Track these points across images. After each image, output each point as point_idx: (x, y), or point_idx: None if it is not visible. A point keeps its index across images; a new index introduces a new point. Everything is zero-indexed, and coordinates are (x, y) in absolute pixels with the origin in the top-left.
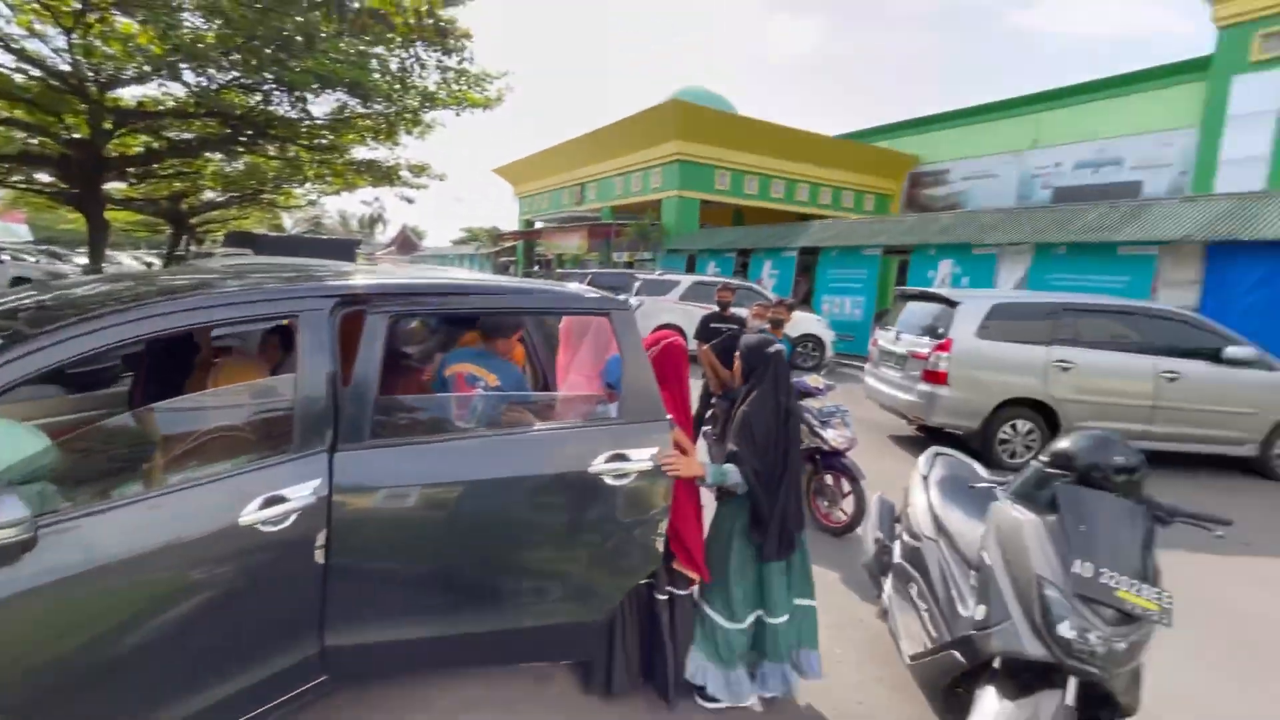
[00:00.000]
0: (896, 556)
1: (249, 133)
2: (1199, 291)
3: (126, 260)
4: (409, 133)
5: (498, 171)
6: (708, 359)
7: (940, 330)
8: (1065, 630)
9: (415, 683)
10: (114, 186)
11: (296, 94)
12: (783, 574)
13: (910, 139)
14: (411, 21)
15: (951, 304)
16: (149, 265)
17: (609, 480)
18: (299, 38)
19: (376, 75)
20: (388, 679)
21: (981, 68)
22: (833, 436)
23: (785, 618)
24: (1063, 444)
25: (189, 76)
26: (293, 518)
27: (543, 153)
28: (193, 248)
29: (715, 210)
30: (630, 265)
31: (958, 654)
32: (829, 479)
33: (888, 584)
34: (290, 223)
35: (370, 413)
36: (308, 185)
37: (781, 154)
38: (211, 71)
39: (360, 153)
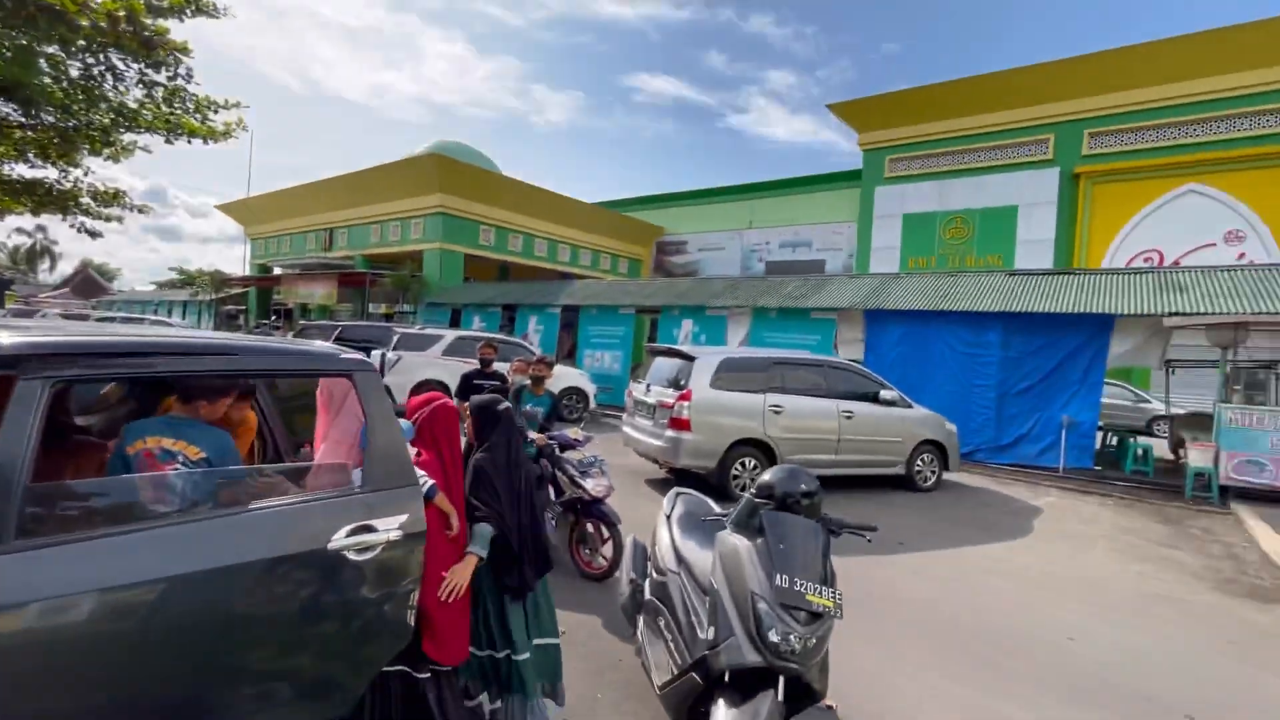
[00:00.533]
0: (647, 594)
1: None
2: (863, 348)
3: None
4: (96, 153)
5: (223, 208)
6: (470, 418)
7: (682, 382)
8: (773, 636)
9: None
10: None
11: None
12: (521, 614)
13: (656, 211)
14: (103, 24)
15: (689, 359)
16: None
17: (352, 555)
18: None
19: (47, 79)
20: None
21: (710, 155)
22: (591, 486)
23: (526, 655)
24: (765, 477)
25: None
26: None
27: (283, 191)
28: None
29: (480, 264)
30: (389, 318)
31: (696, 675)
32: (589, 527)
33: (640, 621)
34: None
35: (18, 504)
36: None
37: (544, 216)
38: None
39: (16, 170)
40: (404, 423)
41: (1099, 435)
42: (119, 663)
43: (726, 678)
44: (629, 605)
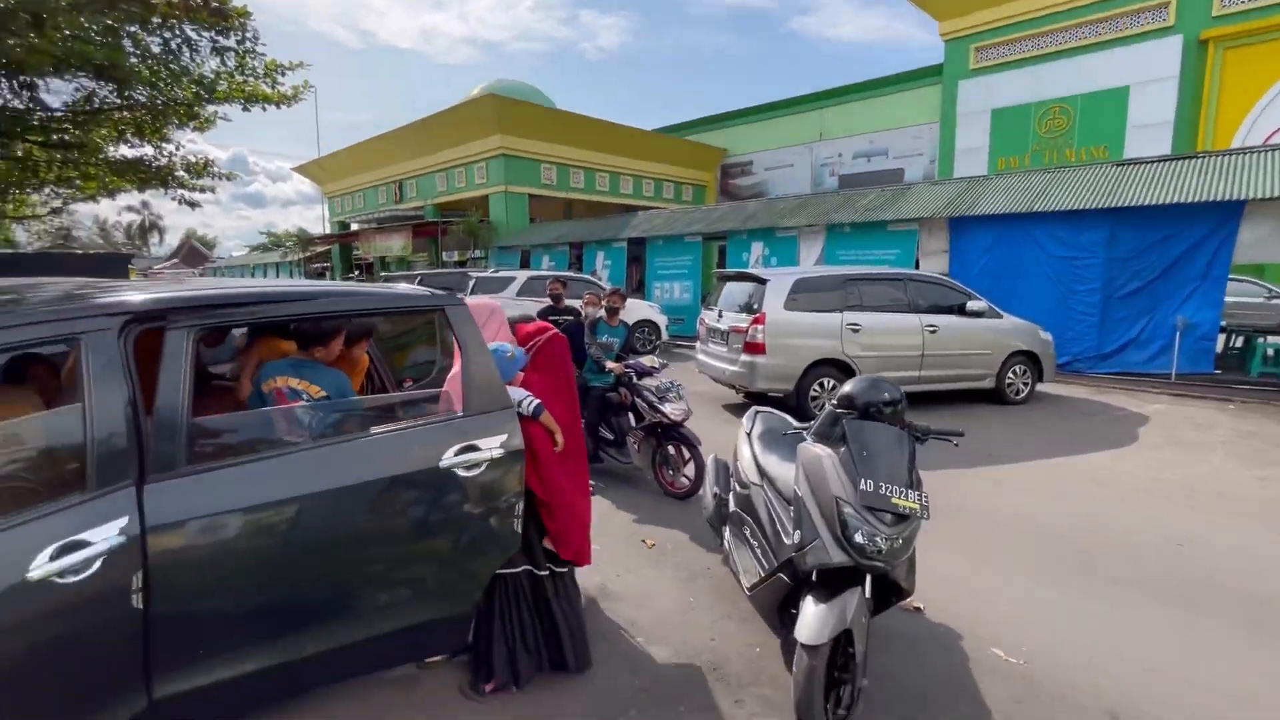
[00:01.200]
0: (732, 506)
1: None
2: (948, 259)
3: None
4: (183, 127)
5: (300, 170)
6: None
7: (755, 306)
8: (859, 538)
9: (267, 713)
10: None
11: (21, 80)
12: None
13: (718, 132)
14: (174, 0)
15: (762, 282)
16: None
17: (461, 472)
18: (23, 13)
19: (135, 59)
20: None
21: (773, 66)
22: (670, 410)
23: None
24: (845, 389)
25: None
26: (98, 563)
27: (352, 149)
28: None
29: (546, 204)
30: (463, 264)
31: (784, 576)
32: (671, 449)
33: (726, 531)
34: (26, 237)
35: (183, 438)
36: (47, 190)
37: (604, 148)
38: None
39: (118, 150)
40: (517, 350)
41: (1221, 337)
42: (277, 564)
43: (814, 577)
44: (714, 518)
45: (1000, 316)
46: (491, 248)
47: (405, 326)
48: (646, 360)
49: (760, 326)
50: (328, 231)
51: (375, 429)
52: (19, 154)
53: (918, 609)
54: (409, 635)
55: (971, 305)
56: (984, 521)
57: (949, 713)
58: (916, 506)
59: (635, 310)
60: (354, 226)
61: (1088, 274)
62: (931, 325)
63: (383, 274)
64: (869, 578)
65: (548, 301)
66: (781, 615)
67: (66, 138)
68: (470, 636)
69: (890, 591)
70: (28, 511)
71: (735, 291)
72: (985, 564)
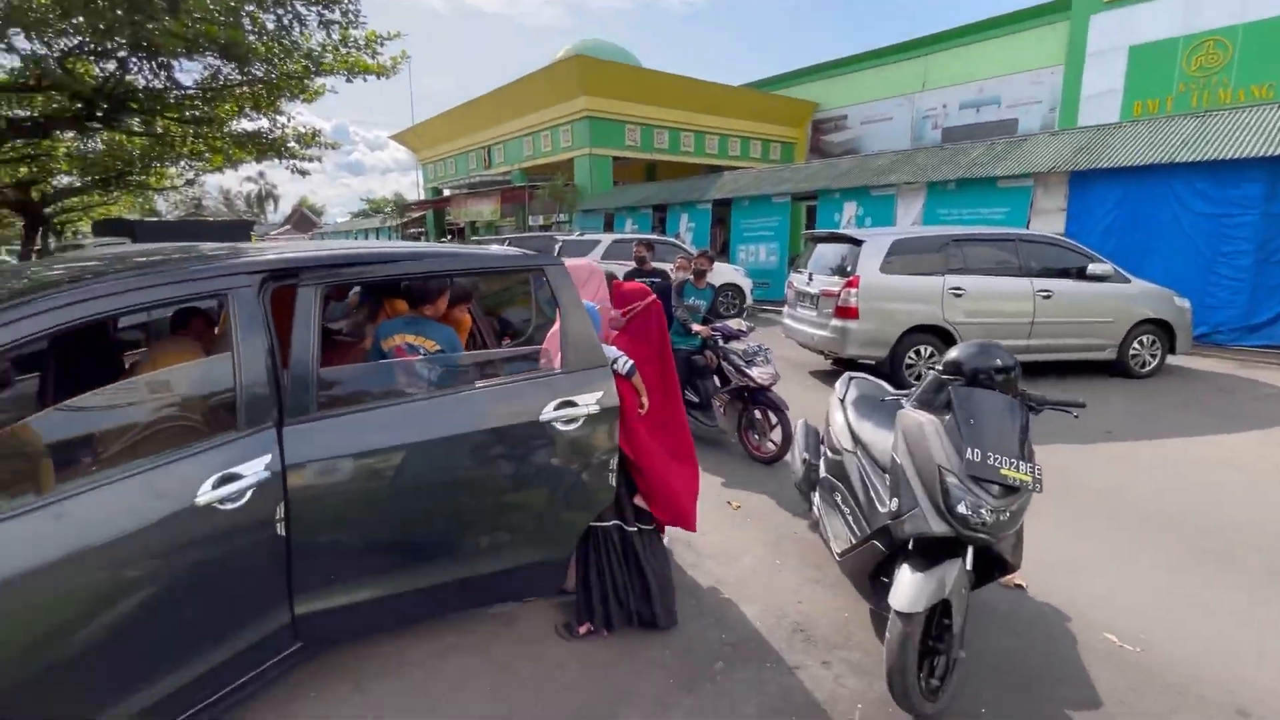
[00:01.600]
0: (822, 472)
1: (104, 106)
2: (1064, 219)
3: None
4: (293, 99)
5: (396, 138)
6: None
7: (848, 268)
8: (962, 508)
9: (388, 637)
10: None
11: (160, 60)
12: None
13: (809, 86)
14: None
15: (856, 243)
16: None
17: (559, 426)
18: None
19: (253, 36)
20: (362, 639)
21: (872, 10)
22: (757, 374)
23: None
24: (952, 354)
25: (20, 43)
26: (249, 494)
27: (444, 115)
28: (53, 241)
29: (628, 166)
30: (547, 228)
31: (878, 543)
32: (757, 413)
33: (816, 497)
34: (165, 206)
35: (313, 386)
36: (182, 163)
37: (689, 106)
38: (50, 39)
39: (239, 124)
40: (614, 311)
41: None
42: (395, 503)
43: (910, 545)
44: (803, 483)
45: (1127, 281)
46: (575, 211)
47: (502, 287)
48: (734, 323)
49: (853, 290)
50: (422, 197)
51: (481, 383)
52: (159, 130)
53: (1019, 586)
54: (510, 576)
55: (1094, 268)
56: (1100, 501)
57: (1054, 694)
58: (1028, 479)
59: (719, 274)
60: (446, 192)
61: (1238, 233)
62: (1045, 290)
63: (473, 238)
64: (971, 549)
65: (633, 265)
66: (873, 583)
67: (197, 114)
68: (567, 582)
69: (994, 565)
70: (194, 446)
71: (827, 253)
72: (1100, 546)
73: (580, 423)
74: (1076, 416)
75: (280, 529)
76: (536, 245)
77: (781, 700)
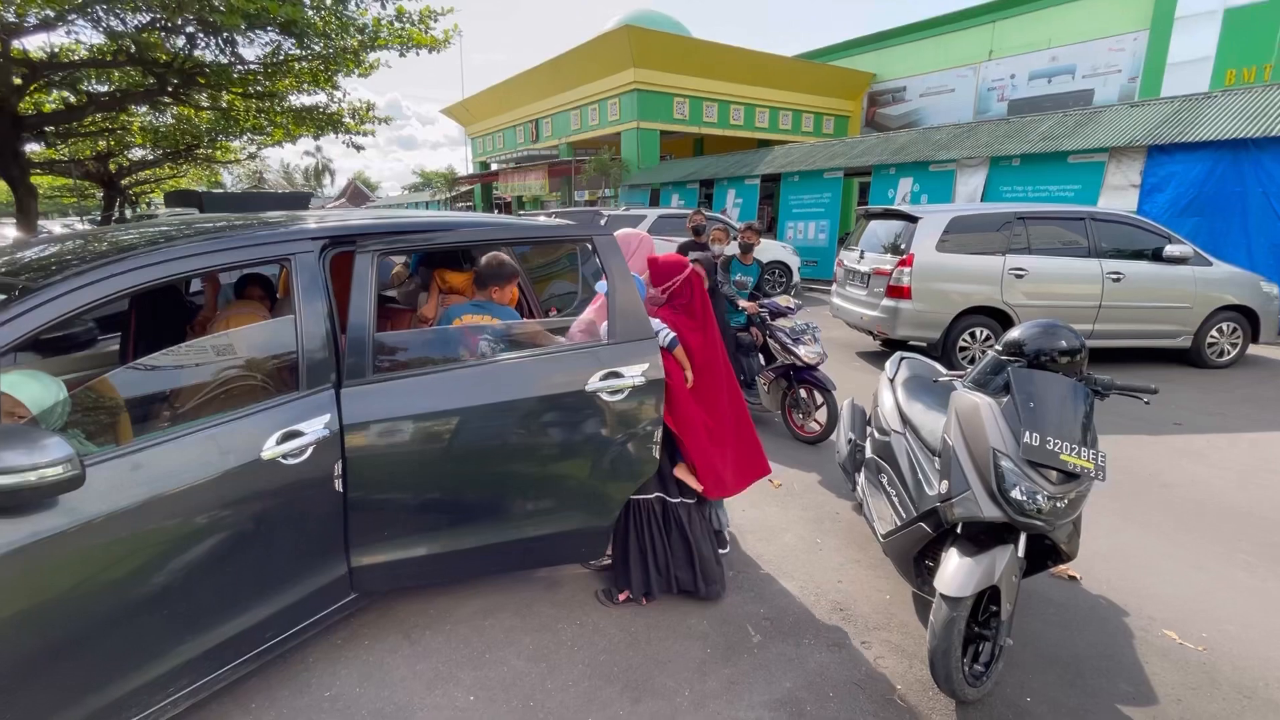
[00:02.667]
0: (868, 452)
1: (174, 81)
2: (1137, 196)
3: (58, 229)
4: (349, 74)
5: (447, 112)
6: None
7: (902, 246)
8: (1016, 493)
9: (436, 594)
10: (32, 149)
11: (224, 36)
12: None
13: (866, 56)
14: None
15: (912, 220)
16: None
17: (605, 396)
18: None
19: (310, 11)
20: (411, 593)
21: None
22: (804, 352)
23: None
24: (1014, 334)
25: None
26: (310, 451)
27: (493, 89)
28: (128, 211)
29: (675, 141)
30: (593, 203)
31: (925, 525)
32: (803, 392)
33: (860, 478)
34: (229, 179)
35: (370, 349)
36: (245, 137)
37: (739, 78)
38: (125, 15)
39: (298, 99)
40: (653, 289)
41: None
42: (445, 465)
43: (959, 529)
44: (848, 463)
45: (1209, 264)
46: (622, 186)
47: (549, 259)
48: (782, 300)
49: (907, 269)
50: (471, 171)
51: (528, 352)
52: (224, 104)
53: (1073, 577)
54: (553, 541)
55: (1171, 250)
56: (1166, 495)
57: (1105, 687)
58: (1090, 465)
59: (766, 250)
60: (494, 166)
61: None
62: (1115, 272)
63: (520, 212)
64: (1024, 536)
65: (679, 239)
66: (917, 565)
67: (259, 89)
68: (609, 549)
69: (1047, 554)
70: (261, 403)
71: (880, 230)
72: (1163, 540)
73: (625, 394)
74: (1147, 403)
75: (338, 485)
76: (581, 219)
77: (819, 676)
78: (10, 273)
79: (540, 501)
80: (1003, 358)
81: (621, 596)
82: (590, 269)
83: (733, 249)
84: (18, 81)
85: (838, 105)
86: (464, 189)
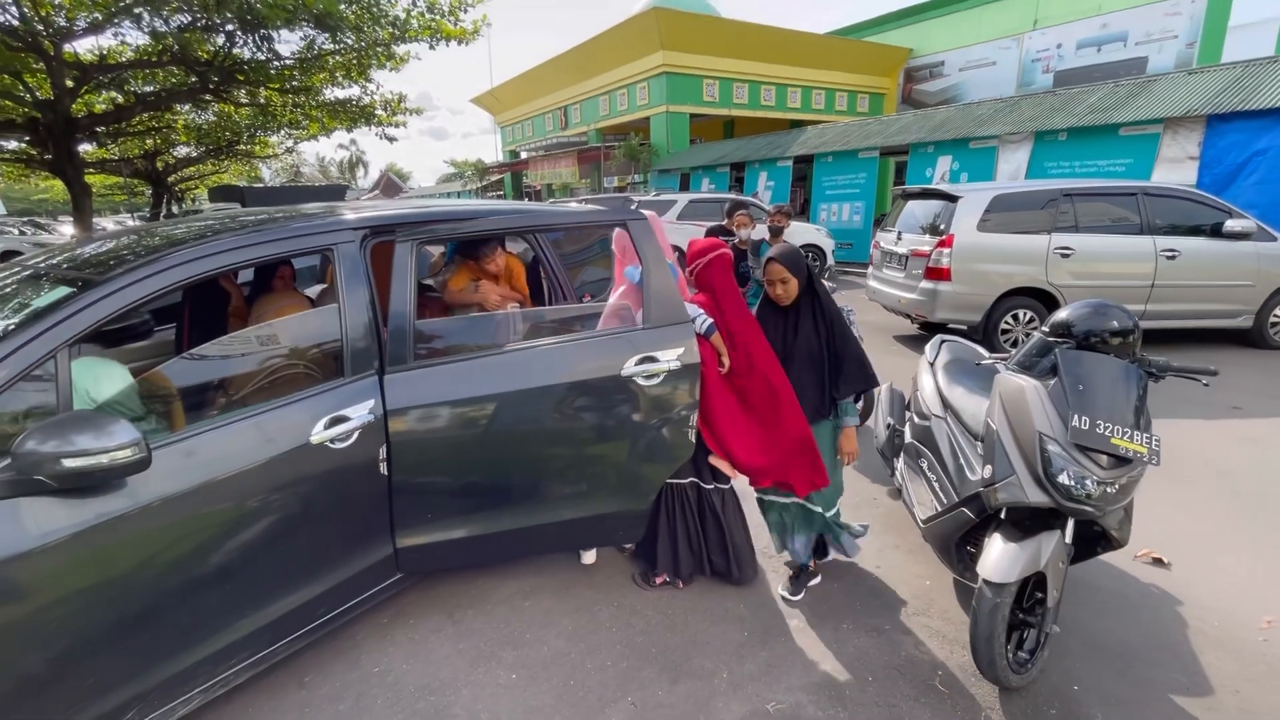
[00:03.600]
0: (907, 437)
1: (215, 80)
2: (1195, 168)
3: (111, 225)
4: (381, 67)
5: (476, 101)
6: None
7: (941, 226)
8: (1064, 478)
9: (477, 575)
10: (85, 149)
11: (261, 33)
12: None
13: (902, 31)
14: None
15: (952, 199)
16: None
17: (640, 381)
18: None
19: (343, 5)
20: (453, 574)
21: None
22: None
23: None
24: (1062, 314)
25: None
26: (355, 435)
27: (521, 76)
28: (175, 207)
29: (705, 124)
30: (622, 189)
31: (968, 510)
32: None
33: (899, 463)
34: (268, 173)
35: (410, 336)
36: (282, 132)
37: (770, 57)
38: (167, 15)
39: (332, 93)
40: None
41: None
42: (486, 449)
43: (1003, 514)
44: (886, 448)
45: (1274, 239)
46: (651, 171)
47: (582, 245)
48: None
49: (946, 250)
50: (501, 161)
51: (564, 338)
52: (262, 100)
53: (1159, 560)
54: (590, 524)
55: (1231, 225)
56: (1224, 482)
57: (1156, 676)
58: (1144, 450)
59: (799, 233)
60: (523, 155)
61: None
62: (1170, 250)
63: (549, 200)
64: (1071, 522)
65: (707, 224)
66: (958, 551)
67: (295, 83)
68: (645, 533)
69: (1096, 540)
70: (308, 390)
71: (918, 211)
72: (1220, 528)
73: (661, 378)
74: (1206, 385)
75: (383, 469)
76: (612, 207)
77: (857, 660)
78: (74, 267)
79: (577, 485)
80: (1050, 339)
81: (659, 580)
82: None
83: (761, 232)
84: (70, 84)
85: (872, 82)
86: (494, 178)
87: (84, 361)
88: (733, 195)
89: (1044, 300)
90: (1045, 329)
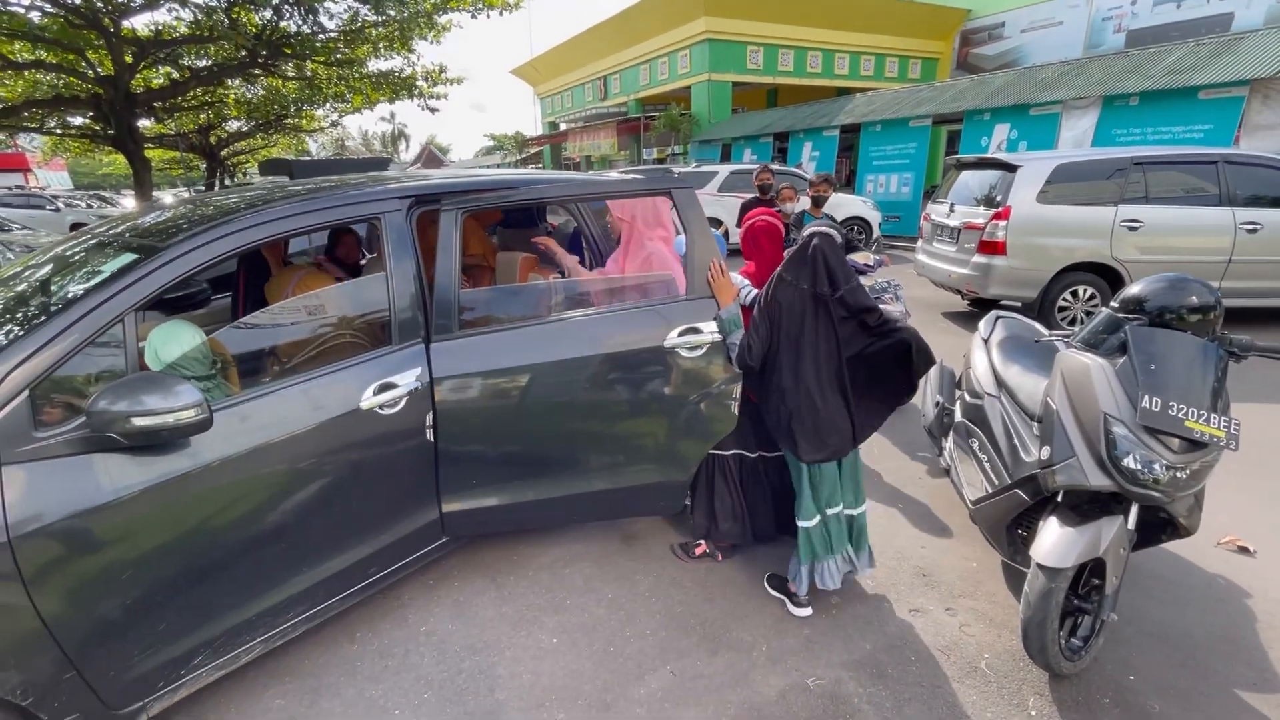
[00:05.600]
0: (957, 416)
1: (264, 53)
2: None
3: (169, 199)
4: (423, 37)
5: (516, 73)
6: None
7: (998, 198)
8: (1130, 462)
9: (520, 542)
10: (144, 124)
11: (307, 6)
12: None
13: None
14: None
15: (1011, 169)
16: None
17: (683, 353)
18: None
19: None
20: (496, 539)
21: None
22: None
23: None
24: (1135, 289)
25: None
26: (403, 402)
27: (561, 46)
28: (227, 180)
29: (748, 93)
30: (661, 161)
31: (1021, 492)
32: None
33: (948, 442)
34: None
35: (456, 305)
36: (327, 105)
37: (817, 21)
38: None
39: (375, 65)
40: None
41: None
42: (529, 417)
43: (1060, 497)
44: (935, 427)
45: None
46: (691, 142)
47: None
48: (860, 257)
49: (1002, 223)
50: (540, 132)
51: (606, 308)
52: (309, 73)
53: (1243, 549)
54: (631, 494)
55: None
56: None
57: (1218, 669)
58: (1221, 434)
59: (843, 205)
60: (562, 126)
61: None
62: (1251, 223)
63: (589, 172)
64: (1135, 507)
65: (742, 199)
66: (1009, 534)
67: (340, 56)
68: (686, 503)
69: (1162, 527)
70: (358, 357)
71: (972, 182)
72: None
73: (704, 350)
74: None
75: (429, 435)
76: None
77: (900, 640)
78: (137, 235)
79: (618, 454)
80: (1119, 315)
81: (698, 550)
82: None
83: (803, 204)
84: (129, 60)
85: (926, 47)
86: (533, 150)
87: (164, 326)
88: (775, 165)
89: (1107, 276)
90: (1115, 304)
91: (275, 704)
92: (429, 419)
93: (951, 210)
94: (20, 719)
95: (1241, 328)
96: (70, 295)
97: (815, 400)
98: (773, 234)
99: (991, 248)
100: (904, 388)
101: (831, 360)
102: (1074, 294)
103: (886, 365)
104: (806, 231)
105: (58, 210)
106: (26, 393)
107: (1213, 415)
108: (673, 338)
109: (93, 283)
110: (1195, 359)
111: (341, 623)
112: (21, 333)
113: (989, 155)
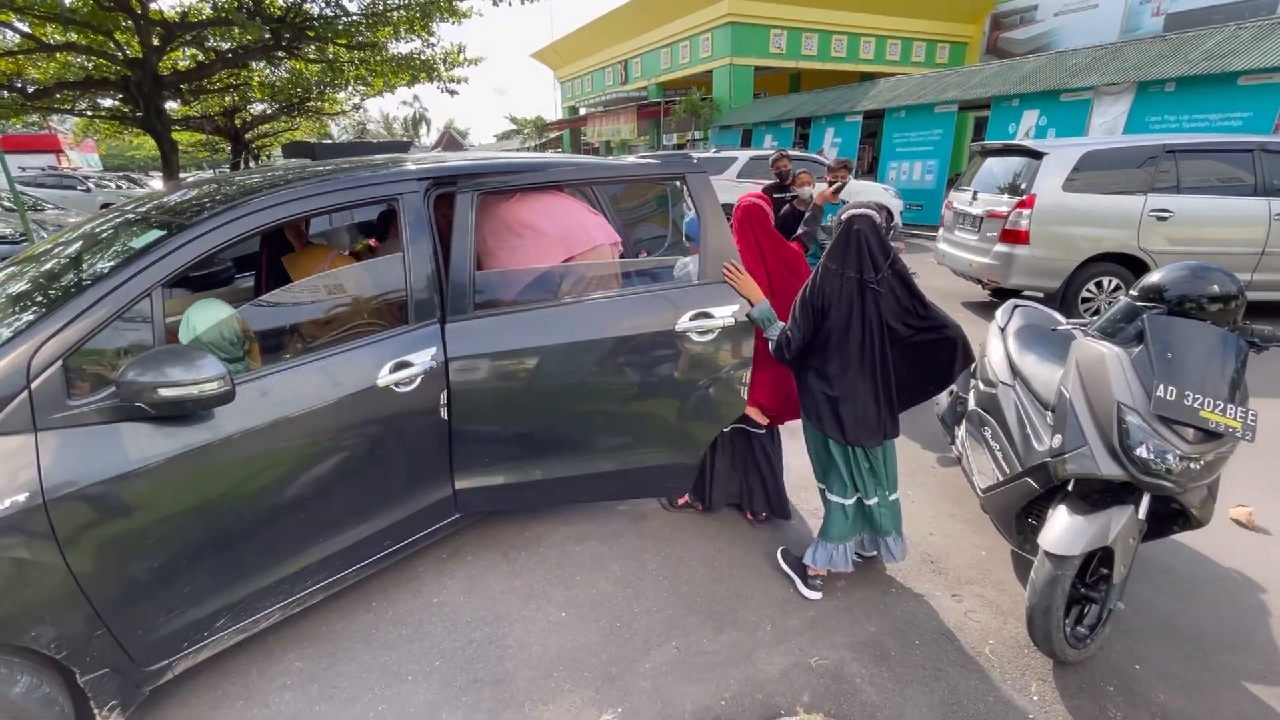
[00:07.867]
0: (971, 404)
1: (287, 36)
2: None
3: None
4: (444, 19)
5: (536, 56)
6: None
7: (1022, 186)
8: (1142, 451)
9: (531, 520)
10: (171, 106)
11: None
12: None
13: None
14: None
15: (1036, 156)
16: None
17: (695, 337)
18: None
19: None
20: (507, 517)
21: None
22: None
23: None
24: (1154, 277)
25: None
26: (418, 380)
27: (582, 29)
28: (252, 163)
29: (770, 77)
30: (681, 146)
31: (1032, 481)
32: None
33: (961, 430)
34: (336, 130)
35: (471, 286)
36: (349, 89)
37: (843, 4)
38: None
39: (395, 48)
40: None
41: None
42: (541, 398)
43: (1070, 486)
44: (947, 415)
45: None
46: (712, 127)
47: (640, 201)
48: None
49: (1026, 211)
50: (560, 117)
51: (621, 291)
52: (331, 56)
53: (1250, 524)
54: (640, 475)
55: None
56: None
57: (1231, 664)
58: (1237, 424)
59: (863, 192)
60: (582, 111)
61: None
62: None
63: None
64: (1147, 497)
65: (761, 185)
66: (1019, 522)
67: (361, 39)
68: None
69: (1174, 518)
70: (375, 336)
71: (997, 169)
72: None
73: (715, 334)
74: None
75: (444, 413)
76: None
77: (905, 624)
78: (164, 213)
79: (628, 436)
80: (1138, 304)
81: (681, 500)
82: (679, 212)
83: (822, 189)
84: (156, 42)
85: (954, 31)
86: (553, 135)
87: (201, 303)
88: (795, 152)
89: (1133, 267)
90: (1134, 293)
91: (294, 666)
92: (443, 397)
93: (975, 198)
94: (55, 672)
95: (1273, 322)
96: (101, 271)
97: (859, 387)
98: (759, 219)
99: (1014, 236)
100: (940, 380)
101: (877, 349)
102: (1099, 284)
103: (927, 357)
104: (845, 215)
105: (88, 191)
106: (60, 363)
107: (1229, 405)
108: (684, 322)
109: (122, 259)
110: (1214, 349)
111: (358, 592)
112: (56, 306)
113: (1015, 142)
